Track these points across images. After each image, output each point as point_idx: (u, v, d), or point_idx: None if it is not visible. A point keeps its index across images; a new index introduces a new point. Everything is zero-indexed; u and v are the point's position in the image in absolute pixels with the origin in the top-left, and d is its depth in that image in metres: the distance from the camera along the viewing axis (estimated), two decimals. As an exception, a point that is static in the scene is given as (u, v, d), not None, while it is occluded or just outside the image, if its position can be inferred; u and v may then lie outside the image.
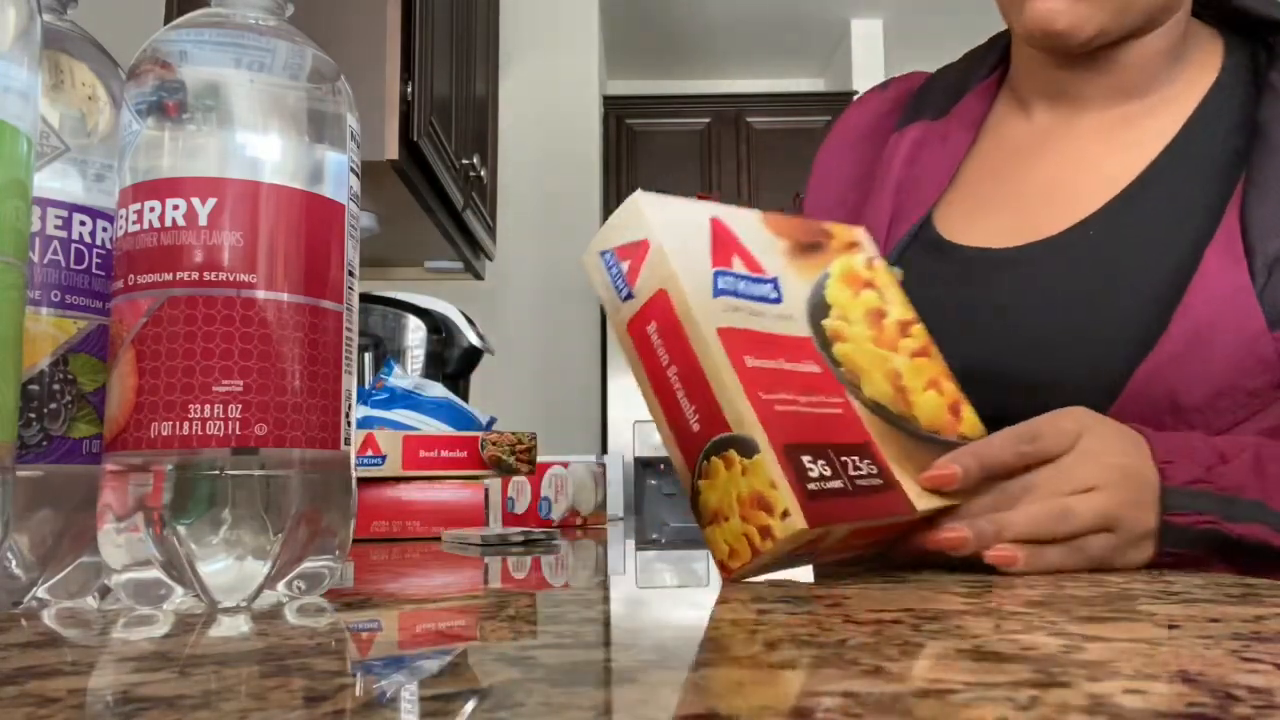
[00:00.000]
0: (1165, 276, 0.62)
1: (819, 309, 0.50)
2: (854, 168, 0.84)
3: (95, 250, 0.42)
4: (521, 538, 0.71)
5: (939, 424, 0.51)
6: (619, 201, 3.38)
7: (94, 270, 0.42)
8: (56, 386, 0.40)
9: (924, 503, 0.46)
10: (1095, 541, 0.48)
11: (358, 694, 0.22)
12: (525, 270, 3.09)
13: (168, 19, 1.49)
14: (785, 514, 0.41)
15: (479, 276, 2.47)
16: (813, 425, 0.45)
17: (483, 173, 2.08)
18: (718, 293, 0.46)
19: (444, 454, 0.91)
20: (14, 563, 0.38)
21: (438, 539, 0.85)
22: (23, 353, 0.35)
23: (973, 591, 0.39)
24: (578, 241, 3.24)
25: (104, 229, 0.42)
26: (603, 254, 0.48)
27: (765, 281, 0.49)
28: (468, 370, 1.79)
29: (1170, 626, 0.30)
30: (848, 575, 0.46)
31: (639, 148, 3.79)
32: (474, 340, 1.74)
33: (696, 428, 0.44)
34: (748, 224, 0.51)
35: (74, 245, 0.41)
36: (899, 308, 0.55)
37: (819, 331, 0.49)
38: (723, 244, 0.48)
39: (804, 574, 0.47)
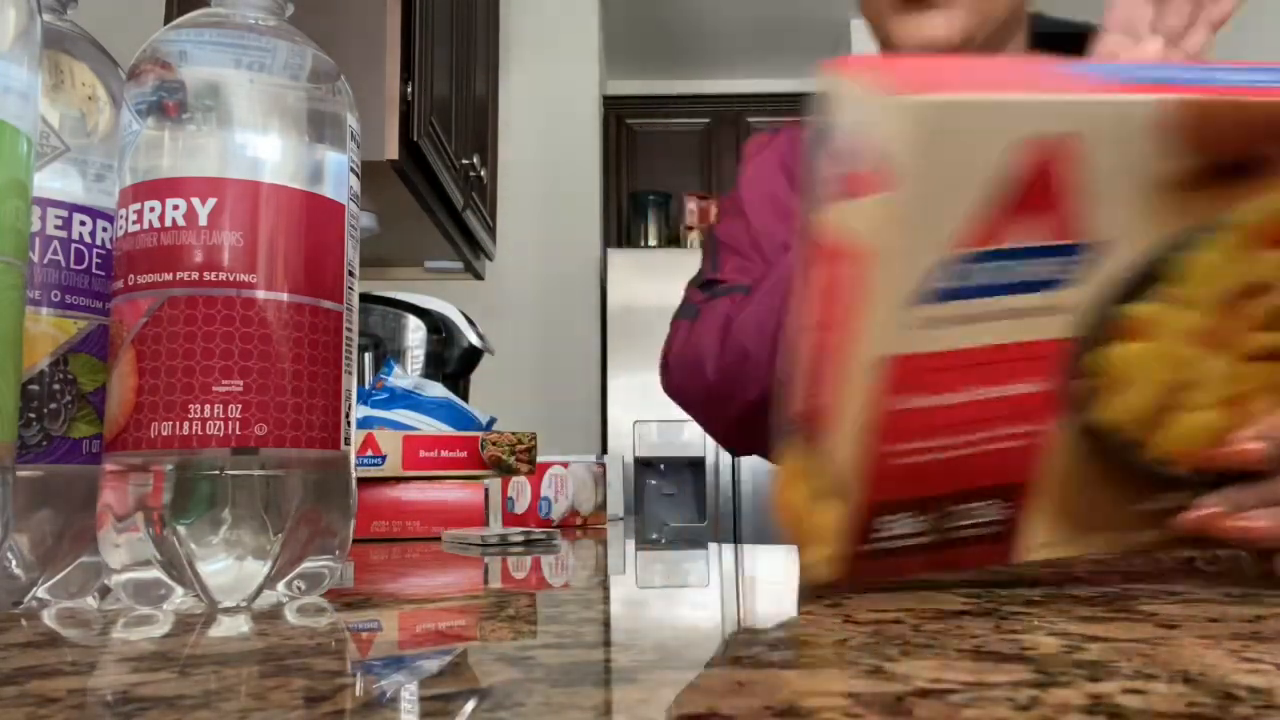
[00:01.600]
0: None
1: (1146, 281, 0.35)
2: (785, 185, 0.84)
3: (95, 250, 0.42)
4: (521, 538, 0.71)
5: (1183, 451, 0.38)
6: (619, 202, 3.36)
7: (94, 270, 0.42)
8: (56, 386, 0.40)
9: (1036, 555, 0.39)
10: None
11: (358, 694, 0.22)
12: (525, 270, 3.09)
13: (168, 19, 1.49)
14: (820, 561, 0.38)
15: (479, 276, 2.48)
16: (940, 473, 0.36)
17: (483, 173, 2.08)
18: (931, 297, 0.32)
19: (444, 454, 0.91)
20: (14, 563, 0.38)
21: (438, 539, 0.84)
22: (23, 353, 0.35)
23: (973, 591, 0.39)
24: (578, 241, 3.25)
25: (104, 229, 0.42)
26: (838, 118, 0.34)
27: (1055, 255, 0.33)
28: (468, 370, 1.79)
29: (1170, 626, 0.30)
30: (848, 575, 0.46)
31: (639, 148, 3.79)
32: (474, 340, 1.74)
33: (799, 405, 0.38)
34: (1117, 134, 0.32)
35: (74, 245, 0.41)
36: None
37: (1108, 322, 0.35)
38: (1021, 193, 0.32)
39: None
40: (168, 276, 0.37)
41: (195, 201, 0.37)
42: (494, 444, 0.93)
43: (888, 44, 0.71)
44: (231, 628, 0.32)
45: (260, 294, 0.37)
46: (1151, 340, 0.36)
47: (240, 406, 0.36)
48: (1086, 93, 0.33)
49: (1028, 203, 0.32)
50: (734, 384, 0.70)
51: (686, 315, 0.78)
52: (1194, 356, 0.36)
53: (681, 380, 0.77)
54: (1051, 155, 0.32)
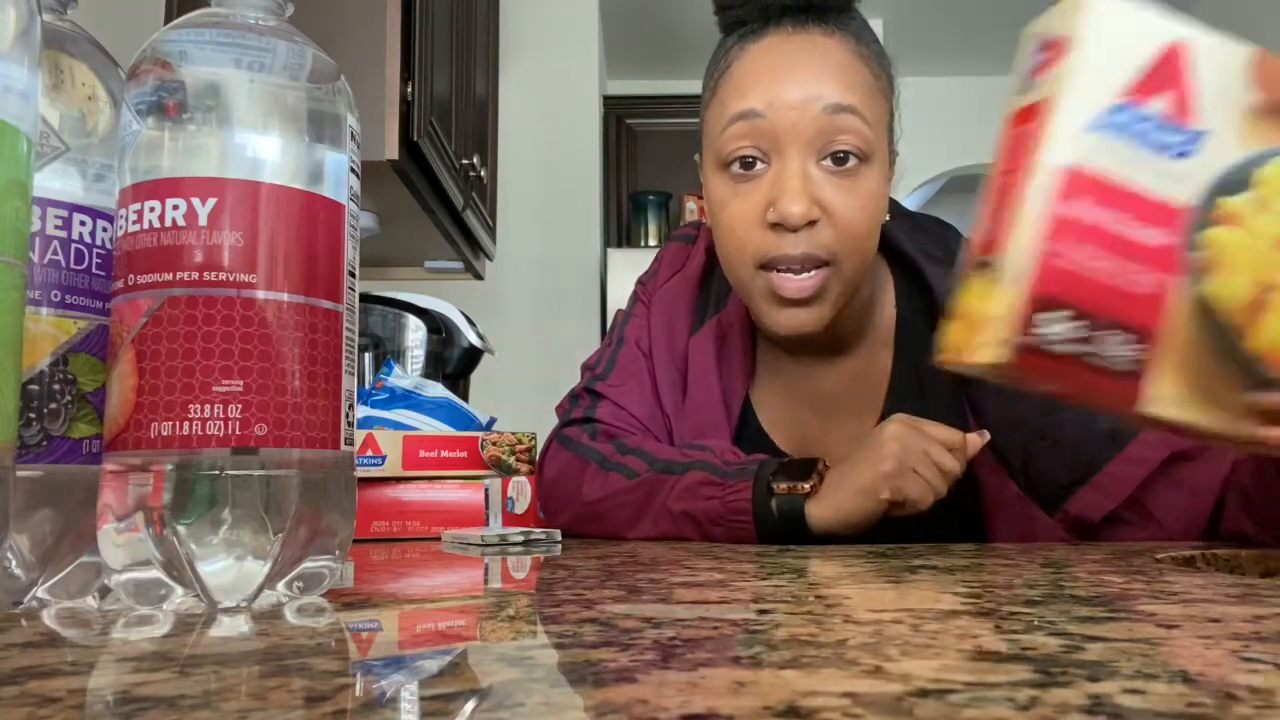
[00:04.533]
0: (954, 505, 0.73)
1: (1233, 184, 0.46)
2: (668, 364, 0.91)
3: (95, 250, 0.42)
4: (521, 538, 0.71)
5: (1273, 354, 0.45)
6: (619, 201, 3.36)
7: (94, 270, 0.42)
8: (56, 386, 0.40)
9: (1159, 408, 0.46)
10: None
11: (358, 694, 0.22)
12: (525, 270, 3.08)
13: (168, 19, 1.49)
14: (989, 343, 0.44)
15: (479, 276, 2.47)
16: (1092, 288, 0.44)
17: (483, 173, 2.08)
18: (1095, 128, 0.45)
19: (444, 454, 0.91)
20: (14, 563, 0.38)
21: (438, 539, 0.84)
22: (23, 353, 0.35)
23: (973, 592, 0.39)
24: (578, 241, 3.25)
25: (104, 229, 0.42)
26: (1035, 35, 0.47)
27: (1182, 132, 0.46)
28: (468, 370, 1.79)
29: (1170, 626, 0.30)
30: (847, 575, 0.46)
31: (639, 148, 3.79)
32: (474, 340, 1.74)
33: (981, 238, 0.46)
34: (1223, 63, 0.46)
35: (74, 245, 0.41)
36: None
37: (1209, 206, 0.46)
38: (1160, 76, 0.46)
39: (802, 574, 0.47)
40: (168, 276, 0.37)
41: (195, 201, 0.37)
42: (494, 444, 0.93)
43: (759, 321, 0.78)
44: (231, 628, 0.32)
45: (260, 294, 0.37)
46: (1238, 230, 0.45)
47: (240, 406, 0.36)
48: (1206, 34, 0.46)
49: (1157, 79, 0.45)
50: (597, 526, 0.81)
51: (568, 445, 0.86)
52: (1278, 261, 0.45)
53: (548, 504, 0.88)
54: (1175, 54, 0.46)
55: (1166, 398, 0.46)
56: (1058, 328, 0.44)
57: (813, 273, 0.72)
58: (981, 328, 0.45)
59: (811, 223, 0.71)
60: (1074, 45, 0.45)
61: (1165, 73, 0.46)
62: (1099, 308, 0.44)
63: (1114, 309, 0.45)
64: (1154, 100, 0.45)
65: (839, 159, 0.71)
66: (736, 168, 0.73)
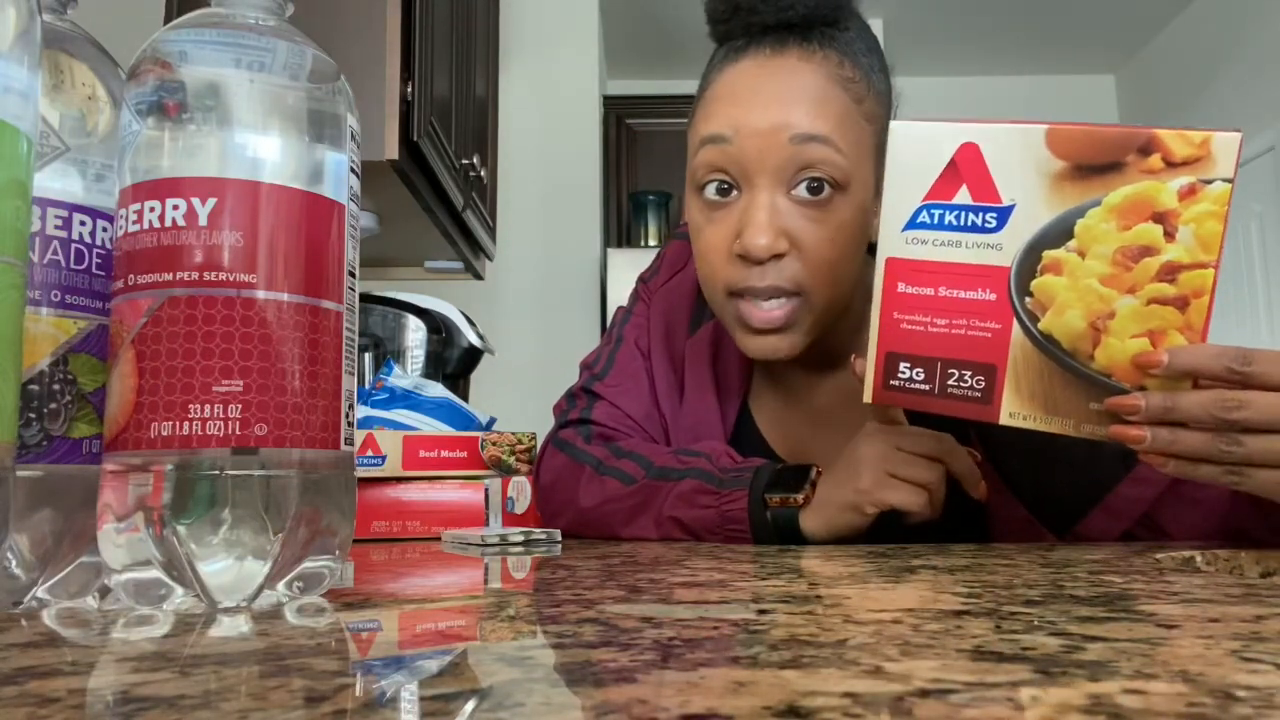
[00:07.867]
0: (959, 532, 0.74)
1: (1053, 237, 0.54)
2: (667, 362, 0.91)
3: (95, 250, 0.42)
4: (521, 538, 0.71)
5: (1118, 369, 0.54)
6: (619, 202, 3.35)
7: (94, 270, 0.42)
8: (56, 386, 0.40)
9: (1013, 421, 0.56)
10: (1263, 474, 0.53)
11: (358, 694, 0.22)
12: (525, 270, 3.09)
13: (168, 19, 1.49)
14: (868, 389, 0.59)
15: (479, 276, 2.47)
16: (934, 342, 0.57)
17: (483, 173, 2.08)
18: (909, 226, 0.56)
19: (444, 454, 0.91)
20: (14, 563, 0.38)
21: (438, 539, 0.84)
22: (23, 353, 0.35)
23: (973, 592, 0.39)
24: (578, 241, 3.25)
25: (104, 229, 0.42)
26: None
27: (988, 210, 0.55)
28: (468, 370, 1.79)
29: (1170, 626, 0.30)
30: (847, 575, 0.46)
31: (639, 148, 3.79)
32: (474, 340, 1.74)
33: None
34: (1020, 144, 0.55)
35: (74, 245, 0.41)
36: (1188, 249, 0.53)
37: (1033, 260, 0.54)
38: (956, 174, 0.55)
39: (802, 574, 0.47)
40: (168, 276, 0.37)
41: (195, 201, 0.37)
42: (494, 444, 0.93)
43: (736, 343, 0.77)
44: (231, 628, 0.32)
45: (260, 294, 0.37)
46: (1061, 275, 0.54)
47: (240, 406, 0.36)
48: (998, 124, 0.56)
49: (958, 175, 0.56)
50: (593, 529, 0.81)
51: (563, 449, 0.86)
52: (1108, 295, 0.54)
53: (544, 508, 0.88)
54: (969, 151, 0.56)
55: (1018, 413, 0.56)
56: (908, 373, 0.58)
57: (780, 301, 0.72)
58: (865, 377, 0.59)
59: (779, 255, 0.71)
60: (886, 166, 0.57)
61: (965, 168, 0.55)
62: (941, 354, 0.57)
63: (958, 353, 0.56)
64: (960, 192, 0.56)
65: (812, 188, 0.70)
66: (711, 193, 0.73)
